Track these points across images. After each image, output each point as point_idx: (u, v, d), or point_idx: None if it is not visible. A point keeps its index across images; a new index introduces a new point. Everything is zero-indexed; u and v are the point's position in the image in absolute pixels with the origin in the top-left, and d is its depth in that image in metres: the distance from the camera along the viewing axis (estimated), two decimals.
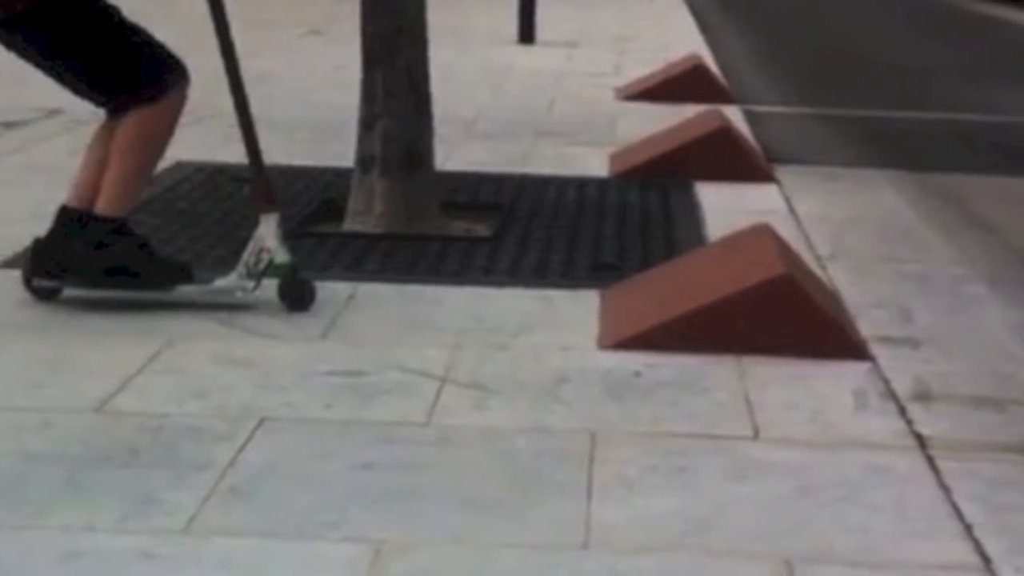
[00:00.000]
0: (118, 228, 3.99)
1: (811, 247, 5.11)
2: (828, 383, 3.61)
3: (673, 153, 6.31)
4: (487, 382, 3.51)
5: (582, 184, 6.03)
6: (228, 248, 4.78)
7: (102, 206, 3.97)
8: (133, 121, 3.95)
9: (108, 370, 3.52)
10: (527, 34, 11.39)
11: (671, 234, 5.20)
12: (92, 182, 4.03)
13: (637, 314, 4.02)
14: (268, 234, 4.04)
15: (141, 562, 2.49)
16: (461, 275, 4.52)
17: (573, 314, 4.12)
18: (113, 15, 3.98)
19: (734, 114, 7.89)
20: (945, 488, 3.00)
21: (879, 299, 4.56)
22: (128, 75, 3.96)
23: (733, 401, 3.46)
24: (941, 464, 3.14)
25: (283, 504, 2.76)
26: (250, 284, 4.02)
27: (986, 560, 2.66)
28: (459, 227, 5.15)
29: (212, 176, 5.99)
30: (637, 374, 3.62)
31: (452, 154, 6.52)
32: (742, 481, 2.97)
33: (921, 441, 3.28)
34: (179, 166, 6.11)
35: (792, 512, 2.82)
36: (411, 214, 5.09)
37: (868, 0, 16.70)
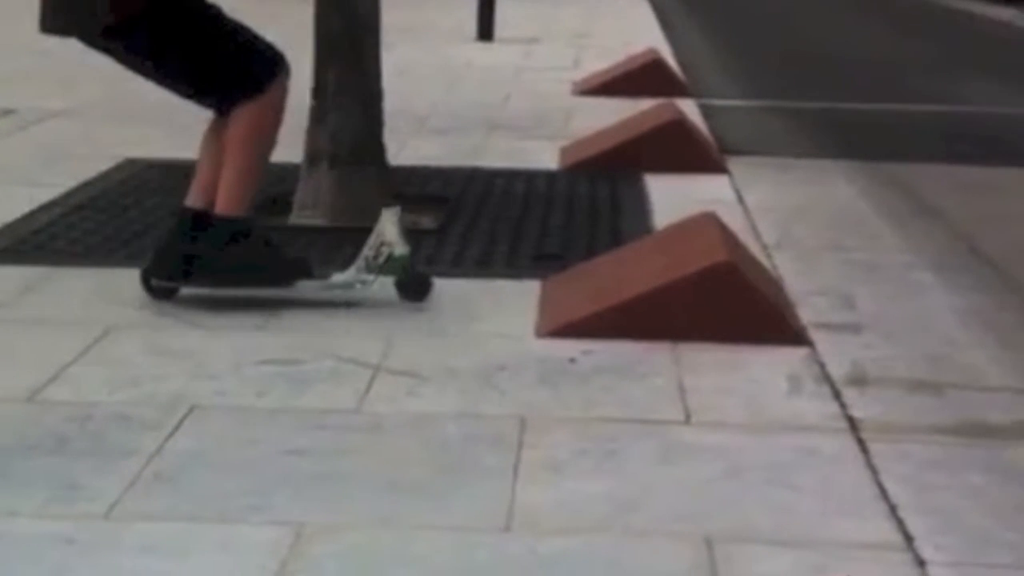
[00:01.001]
0: (240, 226, 3.95)
1: (758, 236, 5.12)
2: (764, 368, 3.62)
3: (625, 145, 6.31)
4: (421, 370, 3.51)
5: (532, 177, 6.04)
6: None
7: (222, 206, 3.93)
8: (242, 118, 3.92)
9: (43, 360, 3.51)
10: (486, 31, 11.40)
11: (618, 225, 5.21)
12: (210, 182, 3.98)
13: (577, 302, 4.02)
14: (389, 229, 4.05)
15: (61, 547, 2.48)
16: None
17: (513, 303, 4.12)
18: (215, 13, 3.94)
19: (690, 108, 7.90)
20: (873, 469, 3.01)
21: (823, 286, 4.58)
22: (236, 72, 3.91)
23: (667, 387, 3.46)
24: (871, 446, 3.15)
25: (207, 489, 2.75)
26: (370, 277, 4.02)
27: (909, 539, 2.68)
28: (406, 220, 5.14)
29: (162, 173, 5.97)
30: (572, 361, 3.62)
31: (404, 148, 6.51)
32: (670, 464, 2.98)
33: (853, 424, 3.29)
34: (128, 163, 6.09)
35: (718, 494, 2.83)
36: (358, 208, 5.08)
37: (832, 3, 16.77)
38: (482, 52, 10.85)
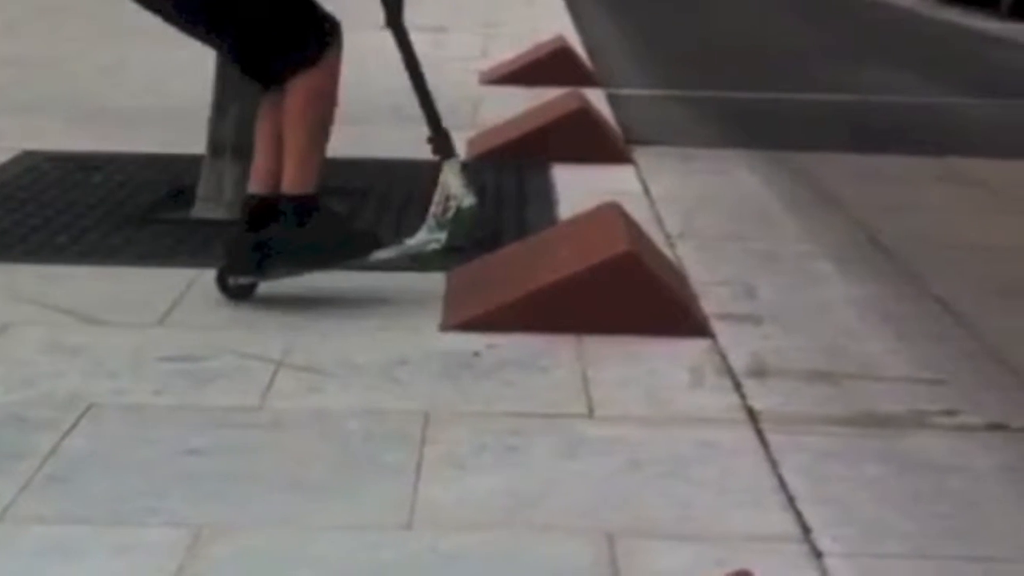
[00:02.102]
0: (310, 203, 3.81)
1: (662, 226, 5.15)
2: (666, 360, 3.64)
3: (531, 135, 6.31)
4: (323, 365, 3.48)
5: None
6: (69, 236, 4.68)
7: (289, 185, 3.79)
8: (298, 91, 3.77)
9: None
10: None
11: (523, 215, 5.21)
12: (270, 166, 3.84)
13: (481, 295, 4.01)
14: (452, 181, 3.95)
15: None
16: None
17: (418, 296, 4.11)
18: None
19: (597, 97, 7.92)
20: (772, 461, 3.05)
21: (725, 277, 4.62)
22: (291, 38, 3.77)
23: (570, 380, 3.47)
24: (771, 438, 3.19)
25: (103, 491, 2.71)
26: (442, 235, 3.93)
27: (806, 530, 2.71)
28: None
29: (60, 165, 5.86)
30: (476, 354, 3.62)
31: None
32: (573, 458, 2.99)
33: (753, 416, 3.32)
34: (26, 155, 5.96)
35: (619, 488, 2.85)
36: None
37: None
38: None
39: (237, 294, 3.94)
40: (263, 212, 3.88)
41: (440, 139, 4.04)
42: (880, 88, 9.39)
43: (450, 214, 3.92)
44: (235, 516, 2.60)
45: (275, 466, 2.86)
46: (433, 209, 3.94)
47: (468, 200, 3.93)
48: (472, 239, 3.93)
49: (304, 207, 3.83)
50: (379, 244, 3.94)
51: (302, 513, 2.64)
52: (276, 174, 3.88)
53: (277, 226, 3.84)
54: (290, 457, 2.91)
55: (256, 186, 3.92)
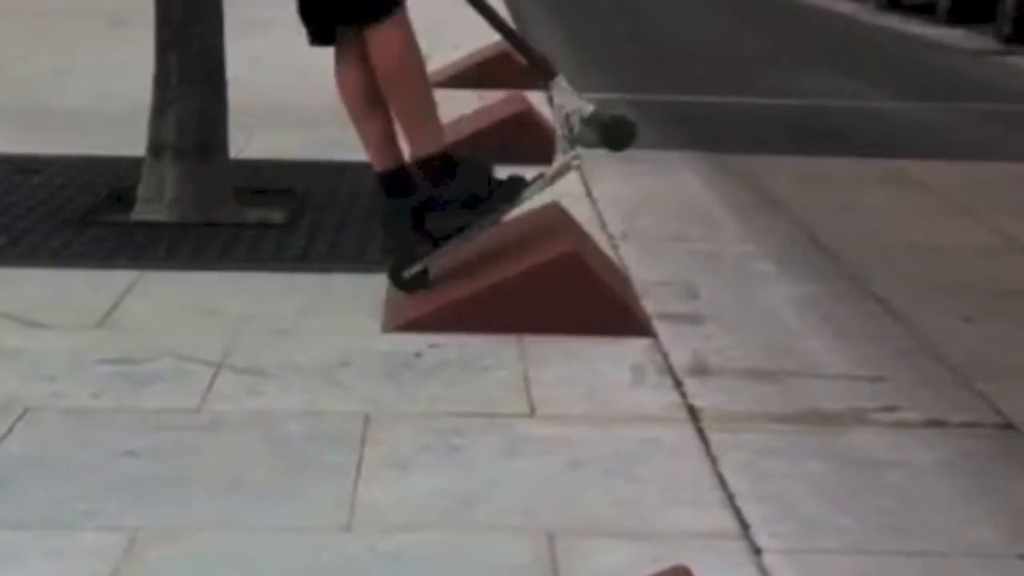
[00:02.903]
0: (447, 158, 3.72)
1: (604, 227, 5.17)
2: (608, 360, 3.65)
3: (474, 137, 6.30)
4: (265, 367, 3.46)
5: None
6: (8, 238, 4.62)
7: (418, 148, 3.71)
8: (384, 52, 3.68)
9: None
10: None
11: None
12: (383, 139, 3.75)
13: (423, 296, 4.00)
14: (565, 99, 3.89)
15: None
16: (250, 261, 4.45)
17: (360, 298, 4.09)
18: None
19: (540, 100, 7.93)
20: (712, 459, 3.06)
21: (667, 277, 4.64)
22: None
23: (512, 379, 3.47)
24: (711, 436, 3.20)
25: (38, 495, 2.67)
26: (578, 151, 3.87)
27: (745, 527, 2.72)
28: (253, 214, 5.07)
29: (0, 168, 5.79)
30: (418, 355, 3.60)
31: (253, 141, 6.41)
32: (514, 458, 2.98)
33: (693, 414, 3.34)
34: None
35: (560, 487, 2.85)
36: (203, 202, 4.99)
37: None
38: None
39: (412, 285, 3.89)
40: (401, 182, 3.81)
41: (539, 65, 3.98)
42: (821, 92, 9.47)
43: (577, 128, 3.89)
44: (172, 519, 2.58)
45: (213, 468, 2.83)
46: (559, 132, 3.91)
47: (587, 108, 3.91)
48: (610, 141, 3.88)
49: (441, 165, 3.77)
50: (525, 184, 3.91)
51: (240, 515, 2.62)
52: (393, 144, 3.83)
53: (425, 185, 3.77)
54: (229, 459, 2.88)
55: (379, 163, 3.86)
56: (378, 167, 3.84)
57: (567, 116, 3.89)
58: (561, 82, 3.93)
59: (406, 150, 3.90)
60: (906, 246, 5.21)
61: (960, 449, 3.21)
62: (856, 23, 15.06)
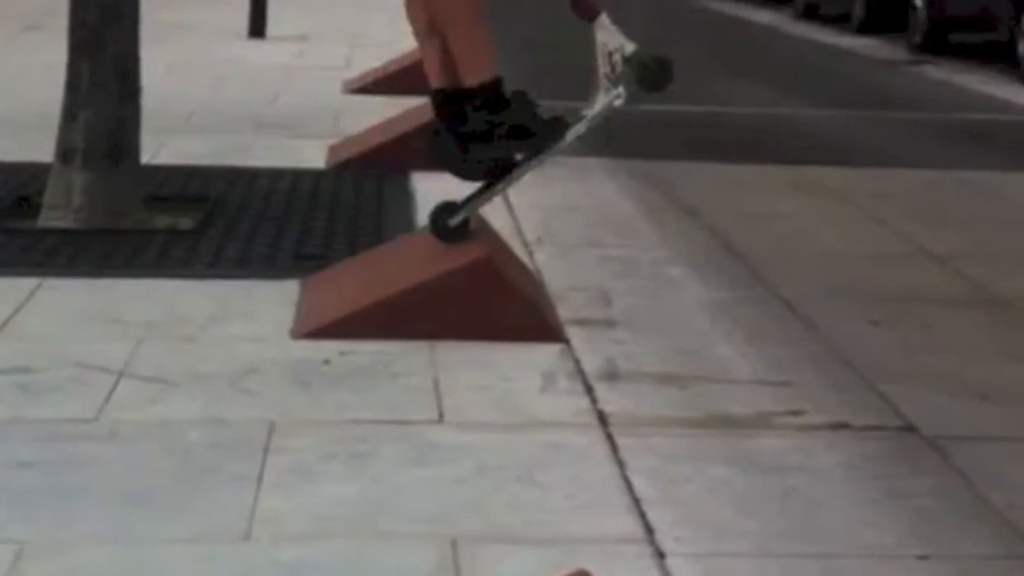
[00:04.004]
0: (497, 87, 3.71)
1: (520, 233, 5.16)
2: (519, 365, 3.63)
3: (392, 143, 6.28)
4: (168, 375, 3.40)
5: (297, 176, 5.95)
6: None
7: (471, 76, 3.70)
8: None
9: None
10: (257, 29, 11.19)
11: (381, 223, 5.17)
12: (439, 54, 3.76)
13: (334, 302, 3.97)
14: (608, 37, 3.81)
15: None
16: (157, 268, 4.39)
17: (270, 305, 4.04)
18: None
19: None
20: (620, 463, 3.06)
21: (581, 282, 4.64)
22: None
23: (422, 386, 3.45)
24: (620, 440, 3.20)
25: None
26: (620, 89, 3.79)
27: (650, 531, 2.72)
28: (162, 220, 5.00)
29: None
30: (327, 362, 3.57)
31: (166, 147, 6.33)
32: (421, 465, 2.96)
33: (603, 419, 3.33)
34: None
35: (467, 493, 2.83)
36: (111, 208, 4.92)
37: (621, 3, 17.09)
38: (253, 50, 10.66)
39: (456, 236, 3.83)
40: (453, 104, 3.79)
41: (580, 3, 3.95)
42: (737, 100, 9.55)
43: (619, 67, 3.86)
44: (62, 531, 2.52)
45: (108, 479, 2.77)
46: (602, 71, 3.87)
47: (629, 47, 3.88)
48: (645, 81, 3.85)
49: (491, 93, 3.75)
50: (568, 126, 3.88)
51: (134, 527, 2.57)
52: (449, 63, 3.80)
53: (475, 116, 3.74)
54: (125, 469, 2.83)
55: (436, 81, 3.85)
56: (434, 84, 3.88)
57: (610, 54, 3.89)
58: (604, 20, 3.92)
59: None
60: (816, 252, 5.26)
61: (863, 452, 3.23)
62: (774, 32, 15.21)
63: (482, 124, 3.78)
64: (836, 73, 11.57)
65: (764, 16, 16.69)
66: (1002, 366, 3.92)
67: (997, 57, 11.60)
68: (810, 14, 16.36)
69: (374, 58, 9.94)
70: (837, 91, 10.31)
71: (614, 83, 3.92)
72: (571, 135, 3.94)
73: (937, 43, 12.71)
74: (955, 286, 4.81)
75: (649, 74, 3.92)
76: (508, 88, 3.95)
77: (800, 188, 6.49)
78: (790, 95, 9.91)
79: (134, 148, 5.05)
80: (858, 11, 14.74)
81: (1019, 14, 11.01)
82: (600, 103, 3.93)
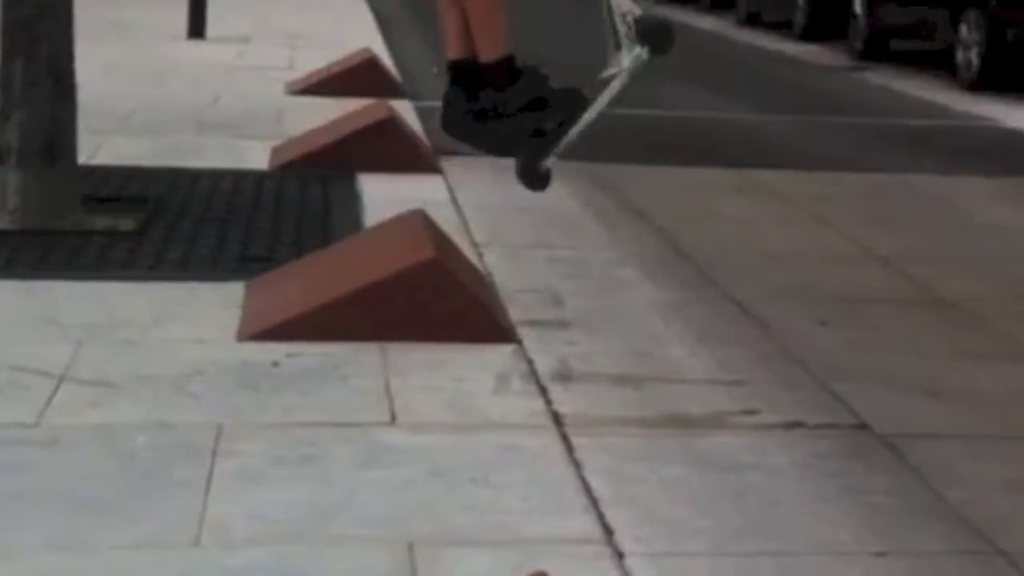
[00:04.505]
0: (510, 63, 3.63)
1: (469, 235, 5.11)
2: (471, 367, 3.59)
3: (337, 144, 6.21)
4: (111, 378, 3.32)
5: (240, 177, 5.86)
6: None
7: (485, 52, 3.63)
8: None
9: None
10: (197, 29, 11.07)
11: (328, 224, 5.11)
12: (457, 27, 3.64)
13: (282, 304, 3.90)
14: (620, 0, 3.76)
15: None
16: (98, 270, 4.29)
17: (214, 307, 3.97)
18: None
19: (405, 108, 7.86)
20: (576, 464, 3.02)
21: (532, 284, 4.60)
22: None
23: (373, 388, 3.39)
24: (575, 441, 3.16)
25: None
26: (638, 48, 3.72)
27: (609, 532, 2.69)
28: (102, 222, 4.91)
29: None
30: (275, 364, 3.50)
31: (104, 147, 6.23)
32: (373, 467, 2.90)
33: (557, 420, 3.29)
34: None
35: (421, 496, 2.77)
36: (48, 209, 4.81)
37: (559, 6, 17.11)
38: (193, 51, 10.54)
39: (543, 183, 3.76)
40: (468, 75, 3.76)
41: None
42: (682, 104, 9.57)
43: (634, 30, 3.83)
44: (5, 539, 2.44)
45: (49, 485, 2.69)
46: (622, 32, 3.82)
47: (637, 11, 3.85)
48: (659, 44, 3.83)
49: (506, 69, 3.73)
50: (585, 99, 3.85)
51: (77, 534, 2.49)
52: (466, 36, 3.78)
53: (489, 92, 3.71)
54: (68, 475, 2.75)
55: (452, 53, 3.83)
56: (450, 55, 3.86)
57: (624, 16, 3.88)
58: None
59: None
60: (764, 253, 5.26)
61: (817, 450, 3.22)
62: (717, 38, 15.28)
63: (490, 102, 3.81)
64: (780, 78, 11.64)
65: (707, 22, 16.78)
66: (951, 365, 3.93)
67: (935, 64, 11.73)
68: (752, 21, 16.47)
69: (317, 59, 9.87)
70: (781, 96, 10.36)
71: (633, 43, 3.93)
72: (607, 95, 3.94)
73: (877, 50, 12.84)
74: (901, 287, 4.83)
75: (652, 38, 3.96)
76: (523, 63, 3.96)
77: (746, 191, 6.50)
78: (735, 100, 9.95)
79: (70, 148, 4.95)
80: (800, 18, 14.86)
81: (956, 24, 11.14)
82: (626, 64, 3.94)
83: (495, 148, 3.83)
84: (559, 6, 16.60)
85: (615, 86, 3.91)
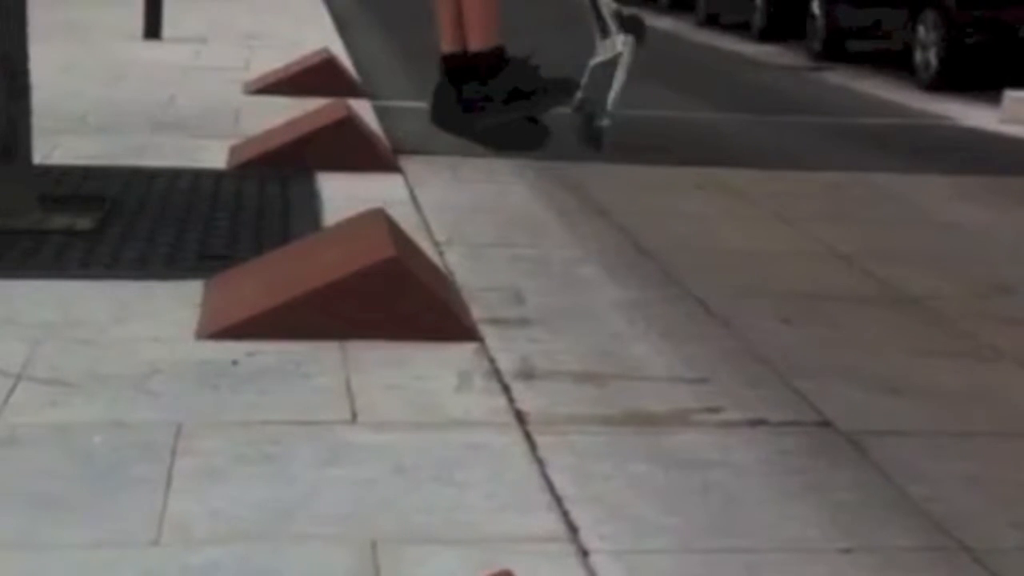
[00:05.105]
0: (499, 54, 3.72)
1: (430, 233, 5.09)
2: (433, 365, 3.56)
3: (295, 143, 6.16)
4: (69, 377, 3.27)
5: (197, 176, 5.81)
6: None
7: (475, 42, 3.72)
8: None
9: None
10: (153, 29, 10.98)
11: (287, 224, 5.06)
12: (453, 19, 3.76)
13: (241, 302, 3.86)
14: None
15: None
16: (55, 269, 4.23)
17: (173, 305, 3.92)
18: None
19: (364, 108, 7.82)
20: (540, 462, 3.00)
21: (493, 282, 4.58)
22: None
23: (334, 386, 3.36)
24: (538, 439, 3.15)
25: None
26: (624, 37, 3.78)
27: (573, 530, 2.67)
28: (59, 221, 4.84)
29: None
30: (235, 363, 3.46)
31: (60, 147, 6.15)
32: (335, 466, 2.87)
33: (521, 418, 3.28)
34: None
35: (384, 494, 2.75)
36: (5, 208, 4.75)
37: (518, 5, 17.09)
38: (149, 51, 10.45)
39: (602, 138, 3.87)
40: (458, 68, 3.77)
41: None
42: (643, 103, 9.56)
43: (620, 19, 3.91)
44: None
45: (9, 484, 2.65)
46: (613, 24, 3.90)
47: (613, 4, 3.92)
48: (639, 35, 3.94)
49: (492, 60, 3.74)
50: (578, 86, 3.89)
51: (39, 533, 2.45)
52: (460, 30, 3.81)
53: (474, 84, 3.71)
54: (26, 474, 2.70)
55: (447, 45, 3.84)
56: (443, 47, 3.89)
57: (608, 8, 3.96)
58: None
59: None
60: (725, 251, 5.26)
61: (781, 447, 3.22)
62: (676, 39, 15.32)
63: (474, 92, 3.87)
64: (739, 78, 11.69)
65: (666, 23, 16.82)
66: (912, 362, 3.94)
67: (893, 64, 11.81)
68: (711, 22, 16.54)
69: (274, 60, 9.81)
70: (740, 96, 10.40)
71: (619, 31, 4.01)
72: (580, 93, 3.98)
73: (835, 51, 12.91)
74: (862, 284, 4.85)
75: (636, 26, 4.07)
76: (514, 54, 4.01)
77: (708, 189, 6.51)
78: (695, 99, 9.98)
79: (25, 147, 4.90)
80: (758, 19, 14.93)
81: (914, 24, 11.22)
82: (621, 43, 4.01)
83: (483, 139, 3.88)
84: (535, 3, 16.53)
85: (627, 57, 4.00)
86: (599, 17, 4.06)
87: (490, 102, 3.85)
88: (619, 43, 4.10)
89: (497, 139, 3.95)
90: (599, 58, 4.06)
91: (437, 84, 4.01)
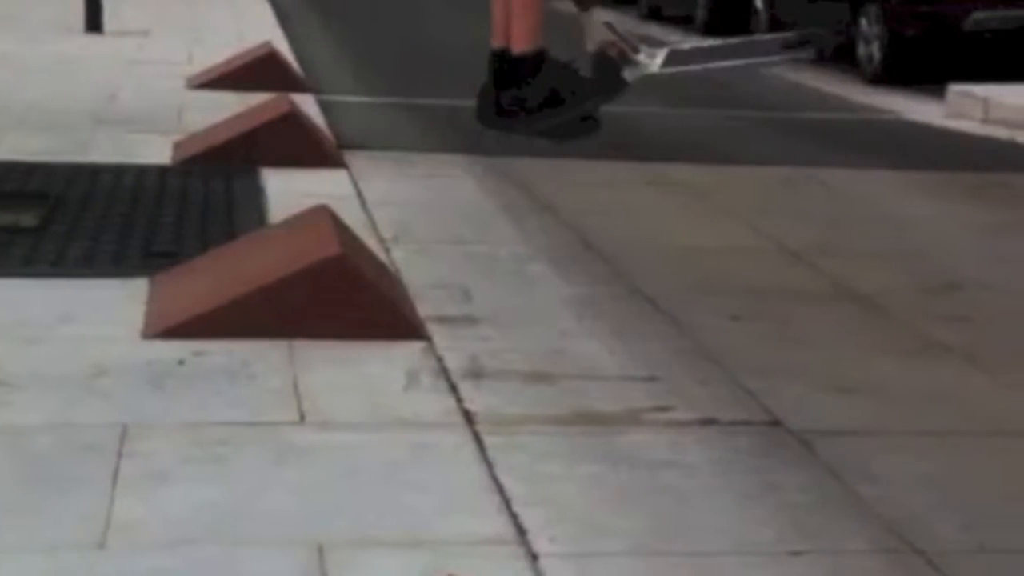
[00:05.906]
0: (538, 57, 3.80)
1: (376, 230, 5.05)
2: (380, 364, 3.53)
3: (239, 139, 6.11)
4: (12, 378, 3.22)
5: (141, 172, 5.74)
6: None
7: (516, 44, 3.81)
8: None
9: None
10: (94, 23, 10.84)
11: (232, 220, 5.01)
12: (503, 20, 3.85)
13: (188, 301, 3.81)
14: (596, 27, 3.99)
15: None
16: None
17: (118, 304, 3.87)
18: None
19: (308, 102, 7.77)
20: (489, 463, 2.98)
21: (440, 279, 4.55)
22: None
23: (281, 386, 3.32)
24: (487, 439, 3.13)
25: None
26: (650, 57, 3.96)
27: (522, 532, 2.65)
28: (2, 218, 4.78)
29: None
30: (181, 363, 3.42)
31: (1, 143, 6.06)
32: (283, 467, 2.84)
33: (469, 418, 3.25)
34: None
35: (332, 496, 2.72)
36: None
37: (456, 3, 17.07)
38: (91, 45, 10.32)
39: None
40: (502, 68, 3.88)
41: None
42: None
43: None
44: None
45: None
46: (632, 44, 3.99)
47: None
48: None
49: (531, 63, 3.83)
50: (626, 85, 3.94)
51: None
52: (508, 28, 3.85)
53: (512, 90, 3.88)
54: None
55: (496, 42, 3.94)
56: (493, 44, 3.96)
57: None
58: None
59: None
60: (673, 247, 5.26)
61: (732, 447, 3.22)
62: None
63: (509, 99, 3.94)
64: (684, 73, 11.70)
65: (608, 17, 16.81)
66: (863, 360, 3.95)
67: (837, 58, 11.89)
68: (654, 15, 16.56)
69: (217, 54, 9.72)
70: (687, 91, 10.42)
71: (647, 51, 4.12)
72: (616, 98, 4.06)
73: None
74: (812, 281, 4.86)
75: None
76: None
77: (653, 184, 6.51)
78: (641, 95, 9.94)
79: None
80: (701, 13, 14.98)
81: (856, 18, 11.30)
82: (644, 66, 4.09)
83: (529, 135, 3.96)
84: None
85: (634, 74, 4.08)
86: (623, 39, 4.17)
87: (523, 111, 3.92)
88: (645, 56, 4.20)
89: (545, 134, 4.04)
90: (640, 71, 4.17)
91: (482, 85, 4.11)
